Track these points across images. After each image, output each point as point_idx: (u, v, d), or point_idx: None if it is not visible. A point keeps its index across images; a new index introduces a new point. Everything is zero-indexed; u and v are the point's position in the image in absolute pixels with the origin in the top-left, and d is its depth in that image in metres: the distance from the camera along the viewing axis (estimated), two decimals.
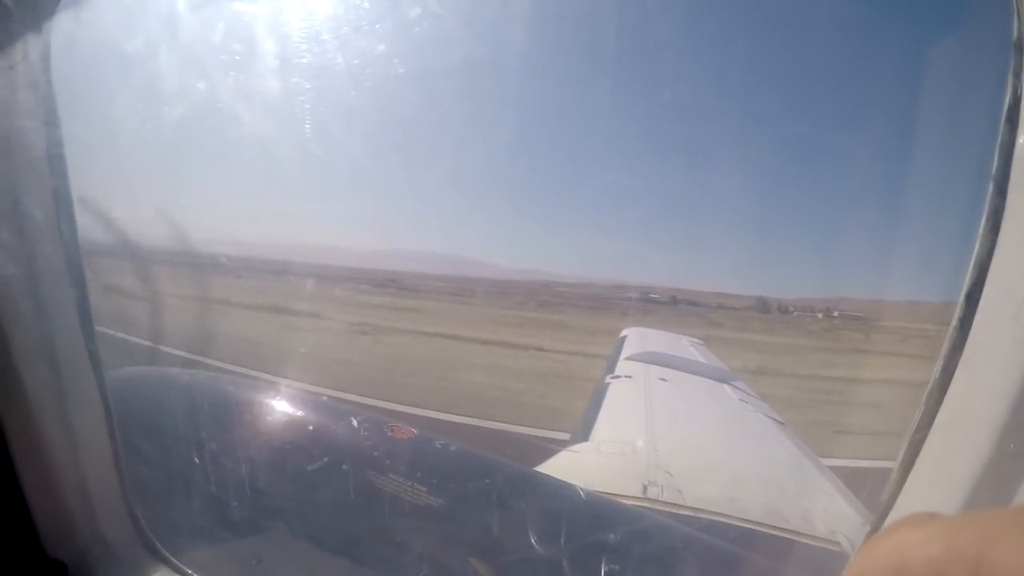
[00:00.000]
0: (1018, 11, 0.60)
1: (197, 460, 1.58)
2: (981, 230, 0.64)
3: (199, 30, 1.43)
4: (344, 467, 1.69)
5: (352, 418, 1.87)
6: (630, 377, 4.64)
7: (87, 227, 1.10)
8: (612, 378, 4.64)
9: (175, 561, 1.18)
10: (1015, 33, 0.60)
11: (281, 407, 1.95)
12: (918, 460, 0.70)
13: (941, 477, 0.66)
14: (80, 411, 1.07)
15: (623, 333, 7.43)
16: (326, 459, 1.72)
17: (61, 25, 0.97)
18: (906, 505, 0.72)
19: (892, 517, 0.74)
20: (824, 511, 2.39)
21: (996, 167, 0.62)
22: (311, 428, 1.85)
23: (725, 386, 4.76)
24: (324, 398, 2.20)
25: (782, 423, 3.94)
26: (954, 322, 0.66)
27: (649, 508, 2.15)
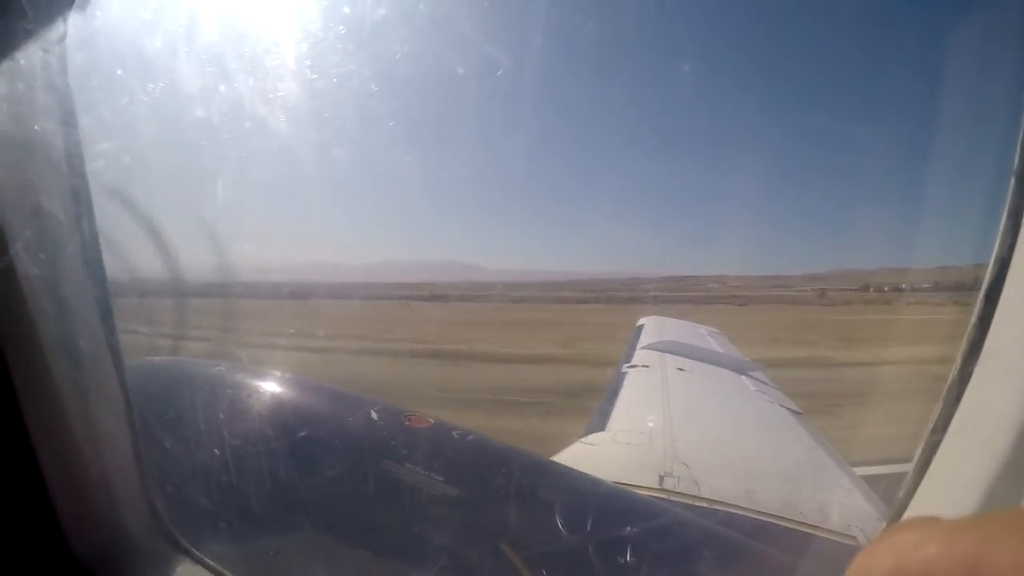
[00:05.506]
0: None
1: (216, 451, 1.60)
2: (1001, 228, 0.62)
3: (215, 29, 1.44)
4: (362, 457, 1.70)
5: (369, 409, 1.89)
6: (647, 367, 4.61)
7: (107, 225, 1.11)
8: (629, 367, 4.62)
9: (194, 551, 1.21)
10: None
11: (299, 398, 1.96)
12: (935, 460, 0.69)
13: (958, 476, 0.65)
14: (101, 404, 1.09)
15: (640, 322, 7.37)
16: (344, 450, 1.74)
17: (77, 24, 0.98)
18: (922, 504, 0.71)
19: (908, 516, 0.73)
20: (840, 504, 2.37)
21: (1017, 163, 0.61)
22: (328, 419, 1.86)
23: (743, 376, 4.72)
24: (341, 390, 2.22)
25: (799, 413, 3.91)
26: (973, 321, 0.65)
27: (665, 499, 2.15)
